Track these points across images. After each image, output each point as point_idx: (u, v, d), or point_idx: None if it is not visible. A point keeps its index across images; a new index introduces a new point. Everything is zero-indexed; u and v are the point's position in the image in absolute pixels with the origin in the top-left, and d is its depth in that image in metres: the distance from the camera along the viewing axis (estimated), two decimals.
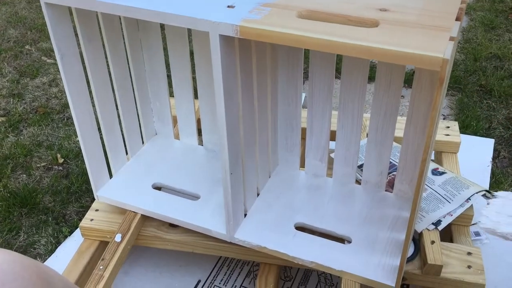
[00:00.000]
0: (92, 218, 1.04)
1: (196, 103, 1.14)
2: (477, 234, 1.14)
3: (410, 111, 0.90)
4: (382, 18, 0.65)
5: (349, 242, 0.92)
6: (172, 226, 1.01)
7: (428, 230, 0.94)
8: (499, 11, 2.20)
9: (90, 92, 0.94)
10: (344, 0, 0.70)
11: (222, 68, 0.71)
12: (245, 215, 0.96)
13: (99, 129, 0.98)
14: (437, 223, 0.95)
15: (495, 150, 1.42)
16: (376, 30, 0.63)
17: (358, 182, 1.05)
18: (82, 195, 1.29)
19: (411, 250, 0.93)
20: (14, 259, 0.46)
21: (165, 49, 1.04)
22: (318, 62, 0.91)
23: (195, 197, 1.01)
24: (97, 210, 1.05)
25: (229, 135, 0.80)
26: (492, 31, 2.05)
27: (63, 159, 1.40)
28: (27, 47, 1.98)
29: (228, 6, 0.69)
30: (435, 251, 0.90)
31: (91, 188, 1.03)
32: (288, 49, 0.91)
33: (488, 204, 0.52)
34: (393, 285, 0.82)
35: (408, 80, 1.66)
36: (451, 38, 0.60)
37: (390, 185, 1.03)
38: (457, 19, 0.64)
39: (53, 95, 1.69)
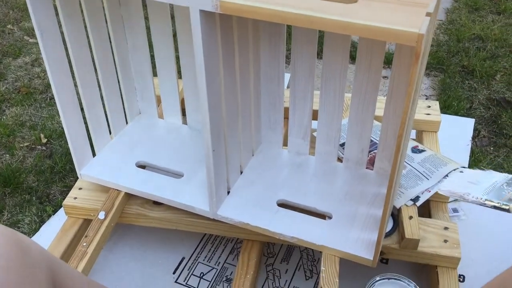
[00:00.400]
0: (76, 197, 1.04)
1: (180, 83, 1.14)
2: (455, 210, 1.17)
3: (390, 91, 0.91)
4: None
5: (330, 218, 0.93)
6: (156, 203, 1.02)
7: (407, 206, 0.96)
8: None
9: (72, 70, 0.93)
10: None
11: (203, 44, 0.72)
12: (228, 192, 0.97)
13: (82, 108, 0.98)
14: (415, 199, 0.97)
15: (475, 129, 1.45)
16: (355, 6, 0.63)
17: (340, 160, 1.06)
18: (66, 175, 1.29)
19: (390, 225, 0.95)
20: None
21: (148, 29, 1.03)
22: (300, 42, 0.91)
23: (178, 175, 1.02)
24: (80, 188, 1.06)
25: (211, 112, 0.80)
26: (475, 12, 2.06)
27: (46, 139, 1.39)
28: (9, 26, 1.95)
29: None
30: (412, 226, 0.92)
31: (75, 168, 1.03)
32: (270, 26, 0.91)
33: (452, 173, 0.54)
34: (371, 258, 0.85)
35: (391, 61, 1.67)
36: (428, 14, 0.61)
37: (371, 163, 1.04)
38: None
39: (36, 75, 1.67)
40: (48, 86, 1.60)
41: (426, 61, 0.81)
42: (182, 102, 1.16)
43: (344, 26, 0.61)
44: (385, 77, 1.67)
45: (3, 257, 0.46)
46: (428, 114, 1.20)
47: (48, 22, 0.85)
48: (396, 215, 0.97)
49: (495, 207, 0.48)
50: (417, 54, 0.59)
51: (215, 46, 0.76)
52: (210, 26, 0.72)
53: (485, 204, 0.49)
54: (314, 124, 1.04)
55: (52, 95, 1.55)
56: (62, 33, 0.87)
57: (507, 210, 0.47)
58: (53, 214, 1.18)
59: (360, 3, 0.64)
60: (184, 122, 1.16)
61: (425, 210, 1.04)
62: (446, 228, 0.95)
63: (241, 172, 1.02)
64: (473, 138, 1.42)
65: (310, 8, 0.62)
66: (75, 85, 0.95)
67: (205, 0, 0.66)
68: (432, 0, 0.64)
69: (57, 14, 0.86)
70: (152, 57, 1.07)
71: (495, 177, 0.51)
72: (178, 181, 1.00)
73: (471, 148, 1.36)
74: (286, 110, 1.06)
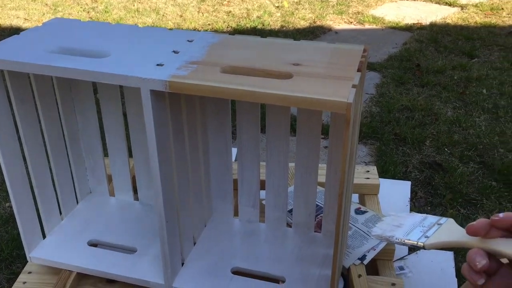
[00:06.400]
0: (25, 281, 1.01)
1: (131, 161, 1.18)
2: (401, 268, 1.22)
3: (329, 158, 0.99)
4: (295, 71, 0.74)
5: (284, 282, 0.96)
6: (110, 282, 1.01)
7: (355, 265, 1.01)
8: (407, 68, 2.45)
9: (23, 152, 0.95)
10: (263, 57, 0.79)
11: (154, 121, 0.77)
12: (183, 264, 0.99)
13: (32, 190, 0.99)
14: (362, 258, 1.02)
15: (412, 191, 1.55)
16: (291, 81, 0.71)
17: (289, 225, 1.11)
18: (13, 262, 1.25)
19: (341, 285, 0.99)
20: None
21: (98, 110, 1.08)
22: (244, 117, 0.99)
23: (131, 250, 1.03)
24: (30, 272, 1.03)
25: (163, 185, 0.84)
26: (402, 86, 2.26)
27: None
28: None
29: (158, 65, 0.76)
30: (362, 284, 0.96)
31: (22, 254, 1.01)
32: (216, 103, 0.98)
33: (382, 220, 0.60)
34: None
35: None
36: (353, 86, 0.70)
37: (319, 226, 1.10)
38: (358, 70, 0.75)
39: None
40: None
41: (358, 129, 0.89)
42: (133, 180, 1.19)
43: (284, 99, 0.68)
44: (326, 147, 1.78)
45: None
46: (368, 178, 1.29)
47: (0, 107, 0.88)
48: (346, 274, 1.01)
49: (412, 245, 0.55)
50: (347, 120, 0.67)
51: (165, 123, 0.82)
52: (160, 104, 0.78)
53: (405, 243, 0.55)
54: (263, 193, 1.10)
55: None
56: (13, 114, 0.90)
57: (422, 247, 0.53)
58: None
59: (295, 79, 0.72)
60: (136, 198, 1.18)
61: (374, 269, 1.08)
62: (393, 284, 1.00)
63: (195, 243, 1.04)
64: (411, 199, 1.51)
65: (250, 84, 0.69)
66: (26, 166, 0.96)
67: (155, 81, 0.72)
68: (357, 74, 0.73)
69: (7, 97, 0.89)
70: (103, 137, 1.10)
71: (415, 219, 0.58)
72: (131, 256, 1.00)
73: (410, 208, 1.45)
74: (236, 181, 1.11)
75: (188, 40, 0.85)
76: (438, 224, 0.55)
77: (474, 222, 0.50)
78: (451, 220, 0.56)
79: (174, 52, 0.80)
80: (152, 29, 0.91)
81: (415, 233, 0.55)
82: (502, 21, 3.21)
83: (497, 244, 0.48)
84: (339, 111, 0.66)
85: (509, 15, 3.30)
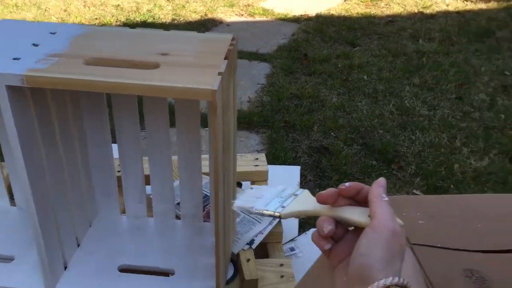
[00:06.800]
0: None
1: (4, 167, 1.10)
2: (292, 249, 1.27)
3: (210, 148, 0.99)
4: (163, 61, 0.74)
5: (173, 274, 0.96)
6: None
7: (244, 250, 1.03)
8: (295, 58, 2.54)
9: None
10: (130, 48, 0.78)
11: (15, 121, 0.72)
12: (66, 267, 0.95)
13: None
14: (250, 243, 1.05)
15: (302, 175, 1.61)
16: (157, 71, 0.71)
17: (178, 217, 1.11)
18: None
19: (230, 271, 1.01)
20: None
21: None
22: (121, 111, 0.96)
23: (9, 259, 0.96)
24: None
25: (33, 188, 0.79)
26: (291, 75, 2.34)
27: None
28: None
29: (14, 59, 0.71)
30: (251, 268, 0.99)
31: None
32: (89, 98, 0.95)
33: (245, 192, 0.62)
34: None
35: None
36: (220, 73, 0.71)
37: (208, 216, 1.10)
38: (226, 58, 0.76)
39: None
40: None
41: (234, 116, 0.91)
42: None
43: (149, 89, 0.67)
44: None
45: None
46: (257, 165, 1.32)
47: None
48: (235, 260, 1.03)
49: (270, 215, 0.57)
50: (213, 106, 0.68)
51: (29, 121, 0.77)
52: (21, 101, 0.74)
53: (264, 214, 0.57)
54: (149, 188, 1.08)
55: None
56: None
57: (279, 217, 0.56)
58: None
59: (162, 69, 0.72)
60: (14, 204, 1.11)
61: (263, 252, 1.12)
62: (281, 265, 1.04)
63: (79, 245, 1.00)
64: (301, 183, 1.58)
65: (115, 75, 0.68)
66: None
67: (10, 75, 0.68)
68: (224, 61, 0.75)
69: None
70: None
71: (275, 190, 0.60)
72: (8, 265, 0.94)
73: None
74: (120, 178, 1.08)
75: (50, 33, 0.81)
76: (295, 195, 0.58)
77: (323, 191, 0.53)
78: (306, 191, 0.59)
79: (34, 45, 0.76)
80: (10, 21, 0.85)
81: (273, 204, 0.57)
82: (381, 11, 3.44)
83: (343, 212, 0.51)
84: (205, 98, 0.67)
85: (387, 6, 3.54)
